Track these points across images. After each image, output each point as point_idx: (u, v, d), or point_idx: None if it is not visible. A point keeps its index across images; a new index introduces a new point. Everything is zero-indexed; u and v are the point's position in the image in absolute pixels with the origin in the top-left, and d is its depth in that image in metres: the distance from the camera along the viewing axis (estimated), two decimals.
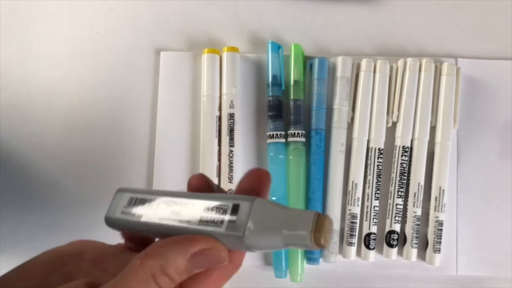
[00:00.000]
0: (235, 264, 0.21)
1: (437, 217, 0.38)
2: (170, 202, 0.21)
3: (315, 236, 0.18)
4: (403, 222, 0.39)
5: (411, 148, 0.39)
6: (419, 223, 0.38)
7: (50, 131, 0.42)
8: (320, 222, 0.18)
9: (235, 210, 0.19)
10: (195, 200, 0.21)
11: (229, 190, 0.39)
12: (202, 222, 0.20)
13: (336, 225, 0.38)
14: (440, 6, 0.42)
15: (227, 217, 0.19)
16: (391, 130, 0.39)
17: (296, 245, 0.19)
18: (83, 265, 0.22)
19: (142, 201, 0.22)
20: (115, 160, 0.41)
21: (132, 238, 0.24)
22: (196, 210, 0.20)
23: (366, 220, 0.38)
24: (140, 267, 0.19)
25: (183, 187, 0.23)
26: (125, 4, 0.43)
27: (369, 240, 0.38)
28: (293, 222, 0.19)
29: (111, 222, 0.23)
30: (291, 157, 0.39)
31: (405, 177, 0.39)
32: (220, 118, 0.40)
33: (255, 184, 0.21)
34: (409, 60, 0.39)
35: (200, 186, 0.22)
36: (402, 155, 0.39)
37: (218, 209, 0.20)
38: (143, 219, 0.22)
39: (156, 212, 0.21)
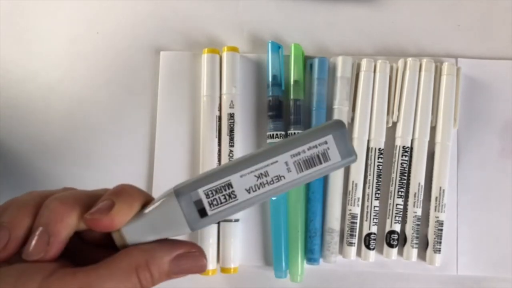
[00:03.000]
0: None
1: (437, 217, 0.38)
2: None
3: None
4: (403, 222, 0.39)
5: (411, 148, 0.39)
6: (419, 223, 0.38)
7: (50, 131, 0.42)
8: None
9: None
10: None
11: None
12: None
13: (336, 225, 0.38)
14: (440, 6, 0.42)
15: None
16: (391, 130, 0.39)
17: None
18: None
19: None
20: (115, 160, 0.41)
21: None
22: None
23: (366, 220, 0.38)
24: (126, 257, 0.19)
25: None
26: (125, 4, 0.43)
27: (369, 240, 0.38)
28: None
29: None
30: None
31: (405, 177, 0.39)
32: (220, 118, 0.40)
33: None
34: (409, 60, 0.39)
35: None
36: (402, 155, 0.39)
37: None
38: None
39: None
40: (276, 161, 0.20)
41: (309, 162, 0.20)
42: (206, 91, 0.40)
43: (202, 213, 0.20)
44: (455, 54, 0.41)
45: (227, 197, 0.20)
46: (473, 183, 0.39)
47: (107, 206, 0.19)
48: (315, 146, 0.20)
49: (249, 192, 0.20)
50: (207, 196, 0.20)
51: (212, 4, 0.42)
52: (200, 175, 0.20)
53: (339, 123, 0.20)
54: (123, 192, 0.20)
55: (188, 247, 0.20)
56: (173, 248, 0.20)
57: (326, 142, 0.20)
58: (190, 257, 0.20)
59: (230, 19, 0.42)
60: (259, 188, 0.20)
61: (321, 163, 0.20)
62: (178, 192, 0.20)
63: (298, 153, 0.20)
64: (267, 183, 0.20)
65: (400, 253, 0.39)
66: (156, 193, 0.22)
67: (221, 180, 0.20)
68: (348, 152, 0.20)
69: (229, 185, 0.20)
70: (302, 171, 0.20)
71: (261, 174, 0.20)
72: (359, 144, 0.39)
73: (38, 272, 0.18)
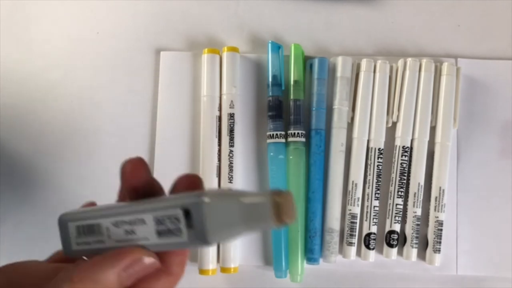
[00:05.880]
0: (176, 276, 0.21)
1: (437, 217, 0.38)
2: (117, 222, 0.20)
3: (277, 219, 0.18)
4: (403, 222, 0.39)
5: (411, 148, 0.39)
6: (419, 223, 0.38)
7: (50, 131, 0.42)
8: (278, 203, 0.18)
9: (187, 216, 0.18)
10: (141, 214, 0.19)
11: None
12: (160, 235, 0.19)
13: (336, 225, 0.38)
14: (440, 6, 0.42)
15: (182, 224, 0.18)
16: (391, 130, 0.39)
17: (261, 230, 0.19)
18: None
19: (90, 229, 0.21)
20: (115, 160, 0.41)
21: None
22: (148, 224, 0.19)
23: (366, 220, 0.38)
24: (69, 278, 0.18)
25: None
26: (125, 4, 0.43)
27: (369, 240, 0.38)
28: (252, 214, 0.18)
29: (73, 255, 0.22)
30: (291, 157, 0.39)
31: (405, 177, 0.39)
32: (220, 118, 0.40)
33: (135, 175, 0.21)
34: (409, 60, 0.39)
35: (135, 173, 0.21)
36: (402, 155, 0.39)
37: (169, 218, 0.18)
38: (101, 246, 0.21)
39: (110, 237, 0.20)
40: (143, 220, 0.19)
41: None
42: (206, 91, 0.40)
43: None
44: (455, 54, 0.41)
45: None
46: (473, 183, 0.39)
47: None
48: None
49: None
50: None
51: (212, 4, 0.42)
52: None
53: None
54: None
55: (133, 255, 0.19)
56: (117, 262, 0.19)
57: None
58: (137, 265, 0.19)
59: (230, 19, 0.42)
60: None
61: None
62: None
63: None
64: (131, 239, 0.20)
65: (400, 253, 0.39)
66: None
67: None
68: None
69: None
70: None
71: (127, 231, 0.20)
72: (359, 144, 0.39)
73: None
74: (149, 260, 0.19)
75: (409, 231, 0.38)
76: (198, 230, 0.18)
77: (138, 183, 0.21)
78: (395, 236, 0.38)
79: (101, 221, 0.21)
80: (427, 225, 0.39)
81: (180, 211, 0.18)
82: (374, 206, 0.38)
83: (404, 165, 0.39)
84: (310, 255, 0.38)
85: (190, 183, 0.21)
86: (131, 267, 0.19)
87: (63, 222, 0.22)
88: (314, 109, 0.39)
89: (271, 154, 0.39)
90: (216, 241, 0.18)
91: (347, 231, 0.38)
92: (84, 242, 0.21)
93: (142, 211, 0.19)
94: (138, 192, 0.21)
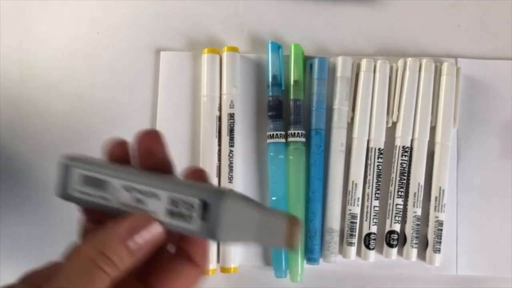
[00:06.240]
0: (201, 267, 0.21)
1: (437, 217, 0.38)
2: (130, 187, 0.20)
3: (286, 242, 0.19)
4: (403, 222, 0.39)
5: (411, 148, 0.39)
6: (419, 223, 0.38)
7: (50, 131, 0.42)
8: (291, 227, 0.19)
9: (204, 208, 0.18)
10: (157, 189, 0.20)
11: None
12: (169, 214, 0.19)
13: (336, 225, 0.38)
14: (440, 6, 0.42)
15: (195, 213, 0.19)
16: (391, 130, 0.39)
17: (265, 246, 0.19)
18: None
19: (98, 182, 0.21)
20: None
21: (92, 212, 0.23)
22: (161, 201, 0.19)
23: (366, 220, 0.38)
24: (77, 255, 0.18)
25: None
26: (125, 4, 0.43)
27: (369, 240, 0.38)
28: (266, 228, 0.19)
29: (66, 197, 0.22)
30: (291, 157, 0.39)
31: (405, 177, 0.39)
32: (220, 118, 0.40)
33: (150, 151, 0.21)
34: (409, 60, 0.39)
35: (151, 151, 0.21)
36: (402, 155, 0.39)
37: (185, 203, 0.19)
38: (103, 202, 0.21)
39: (117, 198, 0.20)
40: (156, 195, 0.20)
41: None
42: (206, 91, 0.40)
43: None
44: (455, 54, 0.41)
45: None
46: (473, 183, 0.39)
47: None
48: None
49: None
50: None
51: (212, 4, 0.42)
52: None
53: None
54: None
55: (138, 221, 0.19)
56: (121, 226, 0.19)
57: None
58: (140, 227, 0.19)
59: (230, 19, 0.42)
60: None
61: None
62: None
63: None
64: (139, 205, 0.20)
65: (400, 253, 0.39)
66: None
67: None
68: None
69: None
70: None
71: (138, 199, 0.20)
72: (359, 144, 0.39)
73: None
74: (157, 227, 0.19)
75: (409, 231, 0.38)
76: (210, 225, 0.18)
77: (151, 161, 0.21)
78: (395, 236, 0.38)
79: (112, 180, 0.20)
80: (427, 225, 0.39)
81: (198, 201, 0.18)
82: (374, 206, 0.38)
83: (404, 165, 0.39)
84: (310, 255, 0.38)
85: (197, 176, 0.21)
86: (136, 233, 0.19)
87: (66, 165, 0.22)
88: (314, 109, 0.39)
89: (271, 154, 0.39)
90: (222, 241, 0.19)
91: (347, 231, 0.38)
92: (85, 192, 0.21)
93: (159, 187, 0.20)
94: (149, 166, 0.21)
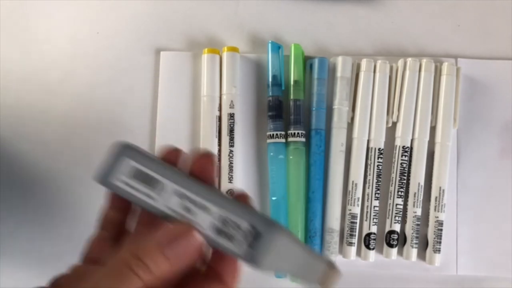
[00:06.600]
0: (229, 286, 0.21)
1: (437, 217, 0.38)
2: (183, 194, 0.20)
3: (321, 283, 0.20)
4: (403, 222, 0.39)
5: (411, 148, 0.39)
6: (419, 223, 0.38)
7: (50, 131, 0.42)
8: (328, 273, 0.20)
9: (256, 236, 0.19)
10: (210, 204, 0.20)
11: (228, 190, 0.39)
12: (215, 230, 0.20)
13: (336, 225, 0.38)
14: (440, 6, 0.42)
15: (242, 237, 0.19)
16: (391, 130, 0.39)
17: (299, 282, 0.20)
18: None
19: (149, 179, 0.21)
20: None
21: (119, 200, 0.22)
22: (211, 216, 0.20)
23: (366, 220, 0.38)
24: (113, 258, 0.18)
25: None
26: (125, 4, 0.43)
27: (369, 240, 0.38)
28: (306, 266, 0.20)
29: (106, 184, 0.21)
30: (291, 157, 0.39)
31: (405, 177, 0.39)
32: (220, 118, 0.40)
33: (203, 172, 0.21)
34: (409, 60, 0.39)
35: (203, 174, 0.21)
36: (402, 155, 0.39)
37: (236, 225, 0.19)
38: (147, 200, 0.20)
39: (165, 199, 0.20)
40: (209, 209, 0.20)
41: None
42: (206, 91, 0.40)
43: None
44: (455, 54, 0.41)
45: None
46: (473, 183, 0.39)
47: None
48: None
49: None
50: None
51: (212, 4, 0.42)
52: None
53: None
54: None
55: (178, 229, 0.19)
56: (159, 234, 0.19)
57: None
58: (181, 236, 0.19)
59: (230, 19, 0.42)
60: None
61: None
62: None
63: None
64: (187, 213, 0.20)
65: (400, 253, 0.39)
66: None
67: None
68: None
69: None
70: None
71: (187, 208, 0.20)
72: (359, 144, 0.39)
73: None
74: (199, 239, 0.19)
75: (409, 231, 0.38)
76: (256, 253, 0.19)
77: (202, 179, 0.21)
78: (395, 236, 0.38)
79: (166, 182, 0.20)
80: (427, 225, 0.39)
81: (250, 227, 0.19)
82: (374, 206, 0.38)
83: (404, 165, 0.39)
84: None
85: (243, 201, 0.21)
86: (174, 240, 0.19)
87: (118, 153, 0.21)
88: (314, 109, 0.39)
89: (271, 154, 0.39)
90: (263, 269, 0.19)
91: (347, 231, 0.38)
92: (131, 185, 0.21)
93: (213, 202, 0.20)
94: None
